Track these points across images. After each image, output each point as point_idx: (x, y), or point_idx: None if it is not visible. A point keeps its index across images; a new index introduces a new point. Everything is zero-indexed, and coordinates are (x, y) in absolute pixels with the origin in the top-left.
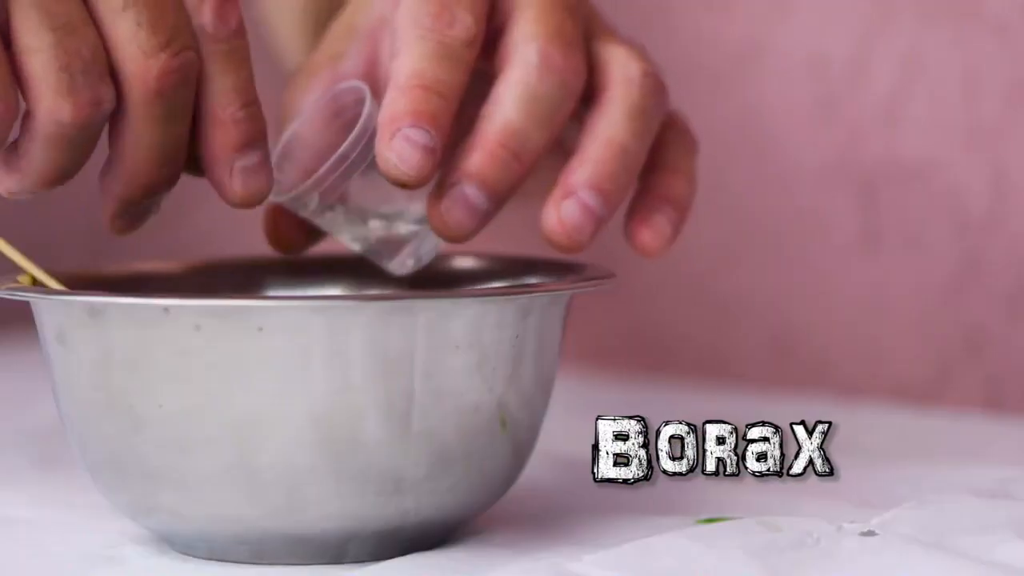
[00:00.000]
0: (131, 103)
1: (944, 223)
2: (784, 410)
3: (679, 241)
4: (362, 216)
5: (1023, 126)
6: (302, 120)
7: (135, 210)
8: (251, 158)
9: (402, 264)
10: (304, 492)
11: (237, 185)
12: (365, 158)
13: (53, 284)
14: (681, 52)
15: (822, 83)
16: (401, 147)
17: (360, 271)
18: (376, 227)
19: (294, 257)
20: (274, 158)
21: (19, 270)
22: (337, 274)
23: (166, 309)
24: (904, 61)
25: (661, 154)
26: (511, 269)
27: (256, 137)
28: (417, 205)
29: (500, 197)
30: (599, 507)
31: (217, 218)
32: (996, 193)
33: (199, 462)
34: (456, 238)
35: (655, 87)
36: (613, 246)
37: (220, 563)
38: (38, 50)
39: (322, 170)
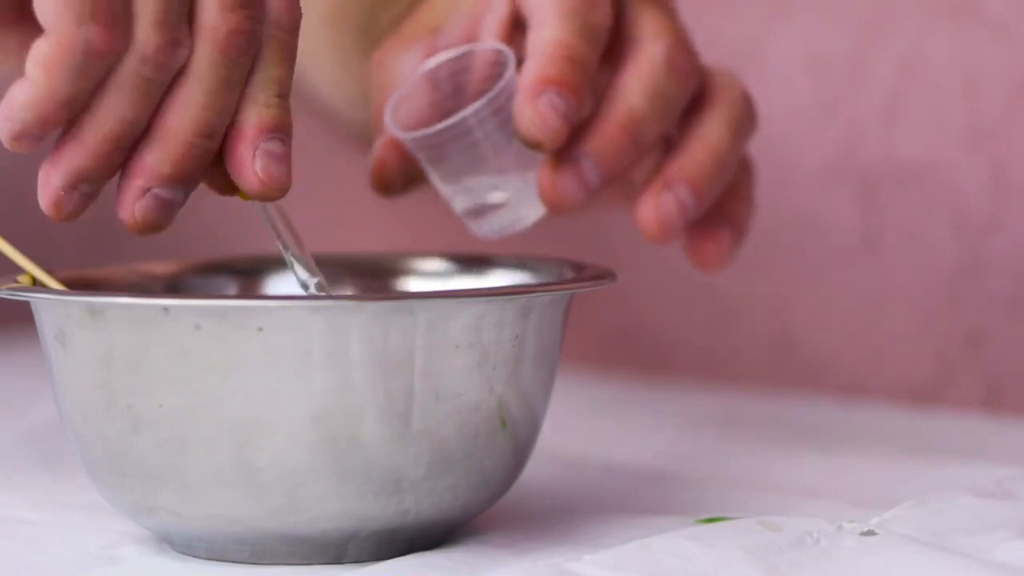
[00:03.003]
0: (197, 56)
1: (944, 223)
2: (784, 410)
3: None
4: (467, 171)
5: (1023, 126)
6: (431, 64)
7: (163, 194)
8: (277, 145)
9: (492, 228)
10: (304, 492)
11: (259, 166)
12: (496, 117)
13: (53, 284)
14: None
15: (822, 83)
16: (545, 109)
17: (360, 271)
18: (477, 185)
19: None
20: (393, 99)
21: (19, 270)
22: (337, 274)
23: (166, 309)
24: (904, 61)
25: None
26: (511, 269)
27: (285, 128)
28: (519, 175)
29: (612, 178)
30: (599, 507)
31: (217, 218)
32: (996, 193)
33: (199, 462)
34: (561, 209)
35: (752, 110)
36: (613, 246)
37: (220, 563)
38: None
39: (458, 116)
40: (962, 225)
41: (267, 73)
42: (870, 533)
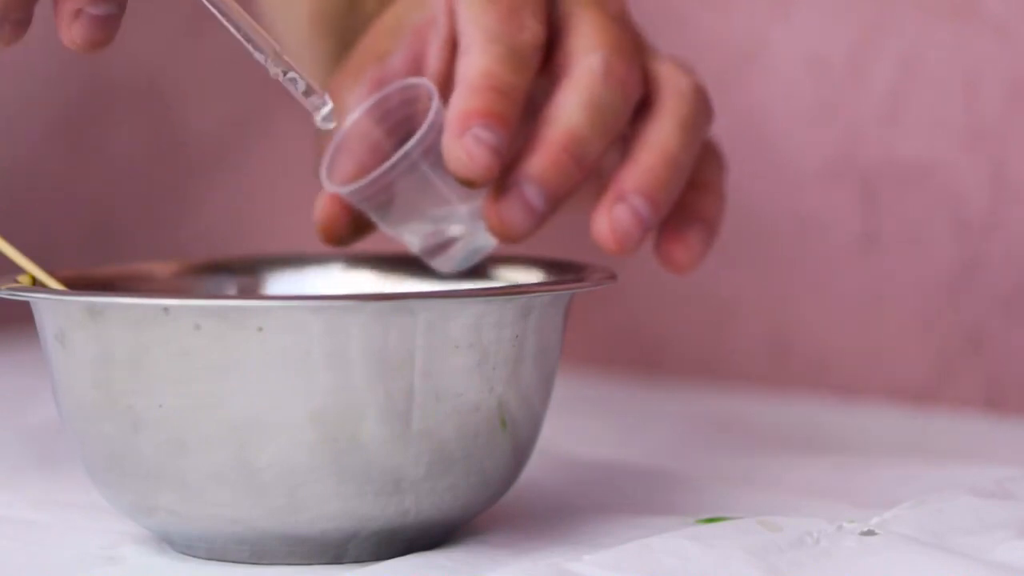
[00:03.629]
0: None
1: (944, 223)
2: (784, 410)
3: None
4: (413, 213)
5: (1023, 126)
6: (356, 115)
7: (96, 11)
8: (102, 7)
9: (452, 262)
10: (304, 492)
11: (75, 31)
12: (429, 156)
13: (53, 284)
14: (681, 52)
15: (822, 83)
16: (472, 145)
17: (360, 270)
18: (429, 224)
19: (294, 257)
20: (329, 151)
21: (19, 270)
22: (337, 273)
23: (166, 309)
24: (904, 61)
25: (696, 172)
26: (511, 269)
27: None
28: (467, 206)
29: (557, 200)
30: (599, 507)
31: (217, 218)
32: (996, 193)
33: (199, 462)
34: (511, 238)
35: (704, 103)
36: None
37: (220, 563)
38: None
39: (387, 164)
40: (962, 225)
41: None
42: (870, 533)
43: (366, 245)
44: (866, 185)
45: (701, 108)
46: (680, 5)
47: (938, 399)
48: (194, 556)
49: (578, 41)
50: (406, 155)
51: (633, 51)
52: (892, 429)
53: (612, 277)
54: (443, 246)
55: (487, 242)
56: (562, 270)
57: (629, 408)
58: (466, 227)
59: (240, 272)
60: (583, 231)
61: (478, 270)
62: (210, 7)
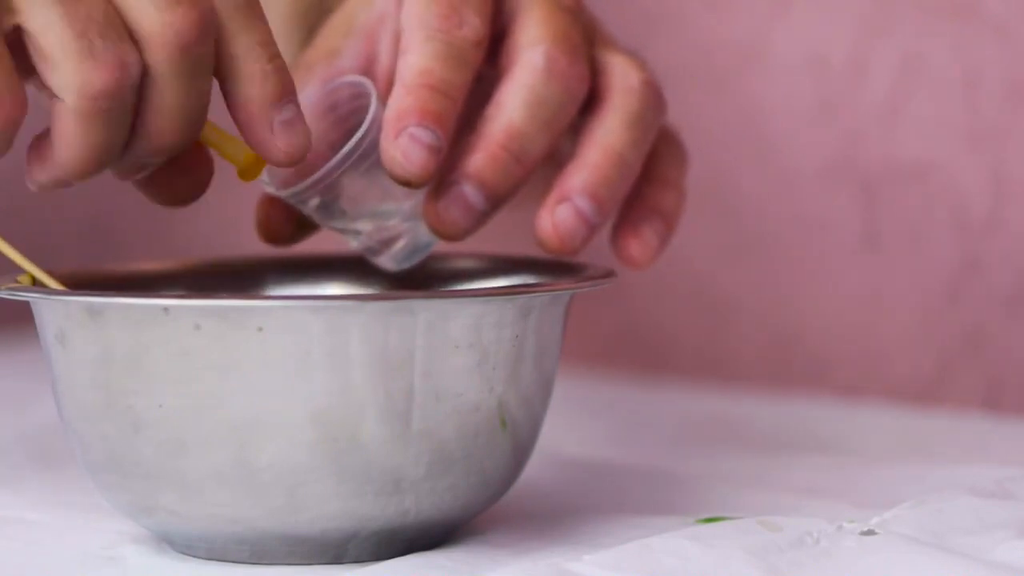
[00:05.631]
0: (155, 63)
1: (944, 223)
2: (784, 410)
3: (679, 241)
4: (357, 211)
5: (1023, 126)
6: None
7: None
8: (289, 111)
9: (394, 260)
10: (304, 492)
11: (281, 141)
12: (369, 154)
13: (53, 284)
14: (681, 52)
15: (822, 83)
16: (407, 145)
17: (360, 271)
18: (370, 223)
19: (294, 257)
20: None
21: (19, 270)
22: (337, 273)
23: (166, 309)
24: (904, 61)
25: (652, 165)
26: (511, 269)
27: (289, 90)
28: (411, 203)
29: (499, 198)
30: (599, 507)
31: (217, 218)
32: (996, 193)
33: (199, 462)
34: (451, 237)
35: (654, 97)
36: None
37: (220, 563)
38: (50, 24)
39: (327, 167)
40: (962, 225)
41: (247, 41)
42: (870, 533)
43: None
44: (866, 185)
45: (651, 103)
46: (680, 5)
47: (938, 399)
48: (194, 556)
49: (523, 35)
50: (346, 156)
51: (580, 44)
52: (892, 429)
53: (612, 277)
54: (385, 244)
55: (429, 240)
56: (562, 270)
57: (629, 408)
58: (408, 225)
59: (240, 272)
60: None
61: (478, 271)
62: None
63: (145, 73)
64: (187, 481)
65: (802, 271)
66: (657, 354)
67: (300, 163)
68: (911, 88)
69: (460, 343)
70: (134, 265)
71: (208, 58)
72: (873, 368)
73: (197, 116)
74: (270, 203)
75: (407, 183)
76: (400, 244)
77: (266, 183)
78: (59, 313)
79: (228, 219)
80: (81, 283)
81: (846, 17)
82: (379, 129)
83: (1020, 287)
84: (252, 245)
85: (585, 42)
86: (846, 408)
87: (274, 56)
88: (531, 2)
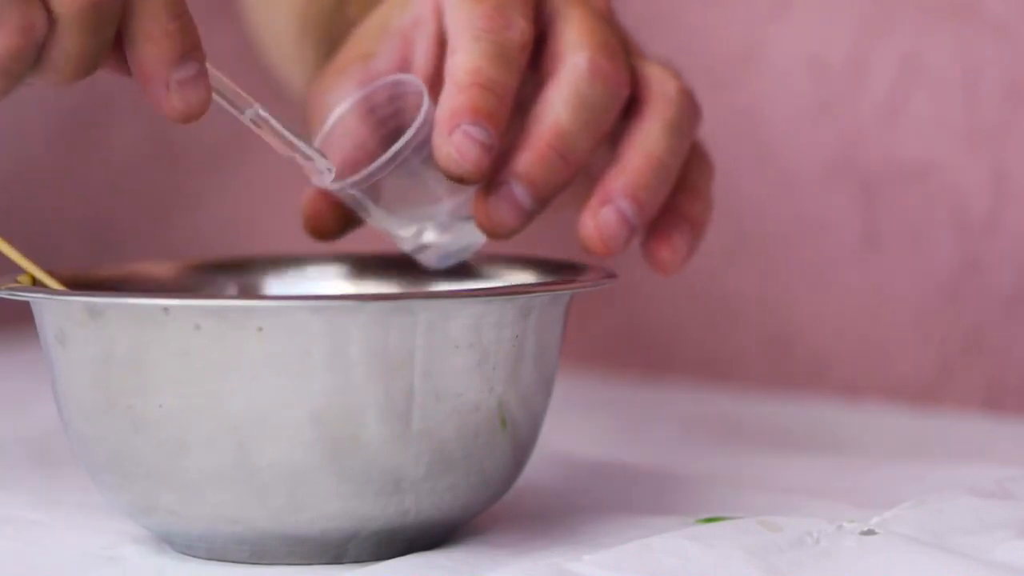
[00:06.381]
0: (62, 19)
1: (944, 223)
2: (784, 410)
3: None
4: (402, 209)
5: (1023, 126)
6: (342, 110)
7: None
8: (187, 70)
9: (438, 258)
10: (304, 492)
11: (176, 100)
12: (420, 151)
13: (53, 284)
14: (680, 52)
15: (822, 83)
16: (461, 142)
17: (360, 270)
18: (415, 221)
19: (294, 257)
20: (316, 144)
21: (19, 270)
22: (337, 273)
23: (166, 309)
24: (904, 61)
25: (684, 174)
26: (511, 269)
27: (189, 48)
28: (455, 201)
29: (545, 197)
30: (599, 507)
31: (217, 218)
32: (996, 193)
33: (199, 462)
34: (499, 235)
35: (690, 106)
36: None
37: (220, 563)
38: None
39: (378, 162)
40: (962, 225)
41: (151, 1)
42: (870, 533)
43: (366, 246)
44: (866, 185)
45: (688, 111)
46: (679, 5)
47: (938, 399)
48: (194, 556)
49: (565, 39)
50: (398, 152)
51: (620, 50)
52: (892, 429)
53: (612, 277)
54: (430, 243)
55: (475, 239)
56: (562, 270)
57: (629, 408)
58: (454, 224)
59: (240, 272)
60: None
61: (477, 271)
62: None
63: (51, 30)
64: (187, 481)
65: (802, 271)
66: (657, 354)
67: (197, 119)
68: (911, 88)
69: (460, 343)
70: (134, 265)
71: (113, 12)
72: (873, 368)
73: (94, 63)
74: (320, 197)
75: (461, 180)
76: (445, 242)
77: (323, 176)
78: (59, 313)
79: (228, 219)
80: (81, 283)
81: (845, 17)
82: (430, 127)
83: (1020, 287)
84: (252, 245)
85: (623, 49)
86: (846, 408)
87: (177, 16)
88: (569, 9)
